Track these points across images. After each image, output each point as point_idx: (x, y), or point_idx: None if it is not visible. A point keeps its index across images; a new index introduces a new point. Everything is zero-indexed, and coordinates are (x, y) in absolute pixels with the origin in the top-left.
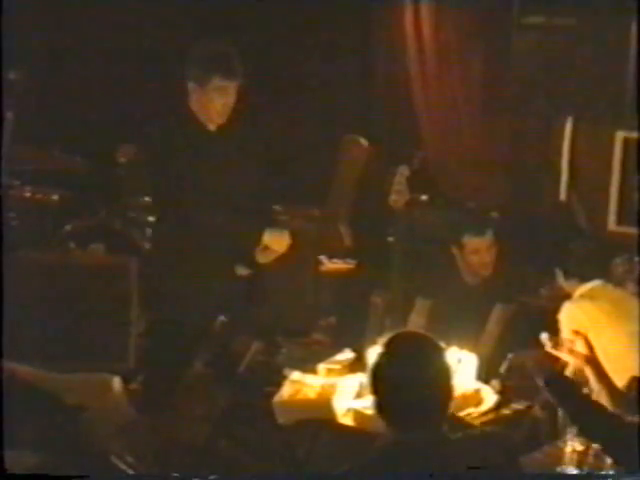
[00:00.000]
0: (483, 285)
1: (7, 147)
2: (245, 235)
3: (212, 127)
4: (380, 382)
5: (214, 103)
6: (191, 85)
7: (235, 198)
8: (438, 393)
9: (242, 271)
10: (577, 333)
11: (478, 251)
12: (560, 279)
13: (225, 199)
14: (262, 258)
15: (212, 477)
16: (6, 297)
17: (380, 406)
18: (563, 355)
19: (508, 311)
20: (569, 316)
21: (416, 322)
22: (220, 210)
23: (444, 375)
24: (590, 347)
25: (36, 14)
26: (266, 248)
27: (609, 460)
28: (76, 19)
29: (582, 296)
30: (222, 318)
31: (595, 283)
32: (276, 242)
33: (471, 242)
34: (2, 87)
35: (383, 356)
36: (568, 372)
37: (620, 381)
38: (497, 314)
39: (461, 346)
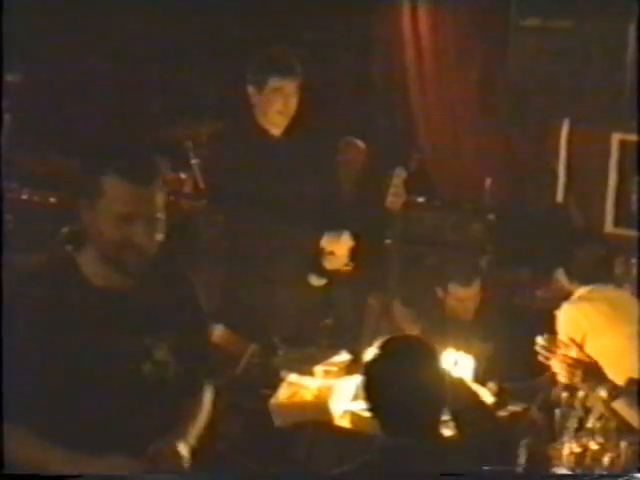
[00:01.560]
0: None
1: (5, 149)
2: (307, 242)
3: (275, 131)
4: (374, 385)
5: (274, 105)
6: (250, 90)
7: (299, 203)
8: (432, 396)
9: (316, 281)
10: (572, 341)
11: (463, 300)
12: (564, 280)
13: (289, 205)
14: (329, 264)
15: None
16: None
17: (374, 410)
18: (553, 363)
19: (486, 350)
20: (567, 318)
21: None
22: (284, 217)
23: (438, 378)
24: (585, 354)
25: (34, 16)
26: (330, 253)
27: (606, 461)
28: (75, 21)
29: (581, 298)
30: (219, 326)
31: (595, 285)
32: (336, 245)
33: (457, 291)
34: (2, 89)
35: (377, 359)
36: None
37: (620, 382)
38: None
39: (457, 348)
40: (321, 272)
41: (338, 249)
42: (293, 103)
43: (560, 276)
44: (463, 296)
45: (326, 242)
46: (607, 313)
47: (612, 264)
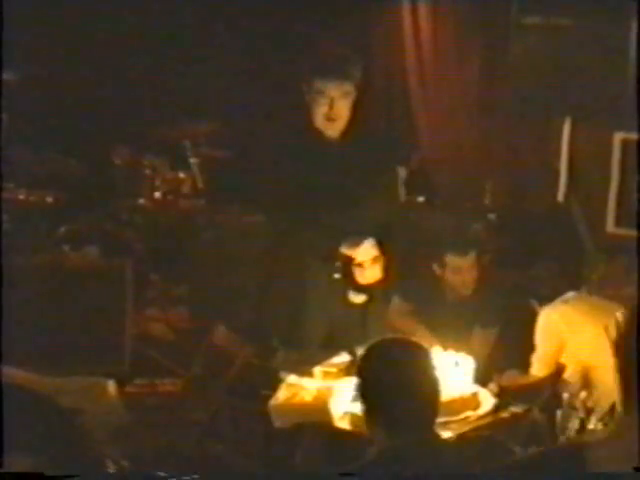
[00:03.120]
0: (463, 304)
1: (2, 149)
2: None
3: (331, 134)
4: (367, 387)
5: (320, 107)
6: (304, 88)
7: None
8: (425, 397)
9: (355, 298)
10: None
11: (460, 270)
12: (537, 307)
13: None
14: (361, 278)
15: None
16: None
17: (369, 412)
18: None
19: (490, 336)
20: (544, 318)
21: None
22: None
23: (430, 379)
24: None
25: (33, 15)
26: (359, 265)
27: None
28: (74, 20)
29: (561, 301)
30: (221, 327)
31: (571, 293)
32: (356, 253)
33: (453, 261)
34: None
35: (369, 361)
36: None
37: (604, 371)
38: (478, 338)
39: (458, 349)
40: (358, 288)
41: (358, 257)
42: (341, 108)
43: (534, 305)
44: (460, 265)
45: (345, 250)
46: (585, 310)
47: (577, 272)
